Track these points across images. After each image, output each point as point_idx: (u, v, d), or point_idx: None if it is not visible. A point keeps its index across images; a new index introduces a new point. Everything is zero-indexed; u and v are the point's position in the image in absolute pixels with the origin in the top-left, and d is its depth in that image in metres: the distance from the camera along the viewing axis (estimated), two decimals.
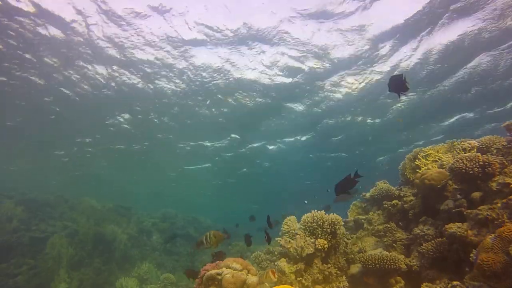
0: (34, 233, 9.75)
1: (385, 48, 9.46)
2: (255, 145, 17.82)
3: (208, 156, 19.23)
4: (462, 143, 4.71)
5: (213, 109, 13.37)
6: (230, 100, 12.47)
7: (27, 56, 9.47)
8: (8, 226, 9.53)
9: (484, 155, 3.77)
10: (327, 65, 10.29)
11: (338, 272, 4.21)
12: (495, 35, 8.62)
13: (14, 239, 9.08)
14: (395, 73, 10.53)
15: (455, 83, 11.22)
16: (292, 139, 16.98)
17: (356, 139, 16.43)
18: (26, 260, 8.69)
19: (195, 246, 3.79)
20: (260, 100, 12.54)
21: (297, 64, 10.29)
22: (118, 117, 14.06)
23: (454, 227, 3.40)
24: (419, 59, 9.90)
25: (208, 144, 17.52)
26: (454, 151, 4.73)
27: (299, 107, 13.37)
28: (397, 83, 3.18)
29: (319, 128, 15.30)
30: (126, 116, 13.97)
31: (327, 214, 4.42)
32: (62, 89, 11.36)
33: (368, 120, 14.53)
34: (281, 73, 10.83)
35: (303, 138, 16.83)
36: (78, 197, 13.64)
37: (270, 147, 18.16)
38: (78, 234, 10.41)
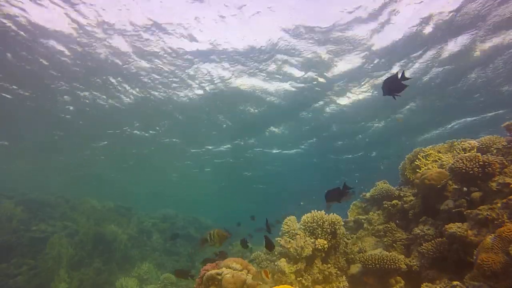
0: (34, 233, 9.75)
1: (388, 59, 9.61)
2: (258, 149, 18.10)
3: (212, 159, 19.54)
4: (462, 143, 4.70)
5: (219, 115, 13.64)
6: (237, 107, 12.84)
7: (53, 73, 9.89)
8: (8, 226, 9.53)
9: (484, 155, 3.76)
10: (331, 74, 10.47)
11: (338, 272, 4.21)
12: (496, 45, 8.84)
13: (14, 239, 9.08)
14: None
15: (458, 88, 11.33)
16: (295, 144, 17.28)
17: (359, 142, 16.67)
18: (26, 260, 8.69)
19: (200, 244, 3.76)
20: (265, 107, 12.82)
21: (301, 74, 10.51)
22: (131, 125, 14.55)
23: (454, 227, 3.39)
24: (423, 65, 10.00)
25: (211, 147, 17.78)
26: (454, 151, 4.73)
27: (303, 114, 13.58)
28: (392, 84, 2.89)
29: (323, 133, 15.54)
30: (137, 124, 14.39)
31: (327, 214, 4.42)
32: (79, 94, 11.71)
33: (373, 125, 14.76)
34: (285, 82, 11.06)
35: (306, 143, 17.09)
36: (79, 198, 13.66)
37: (273, 151, 18.43)
38: (78, 234, 10.42)
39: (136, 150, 17.75)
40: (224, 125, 14.57)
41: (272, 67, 10.07)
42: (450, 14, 7.71)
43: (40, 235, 9.81)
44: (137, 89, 11.33)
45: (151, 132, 15.31)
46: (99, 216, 12.45)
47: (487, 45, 8.87)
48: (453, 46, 9.00)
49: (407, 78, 2.80)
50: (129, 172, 22.33)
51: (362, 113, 13.11)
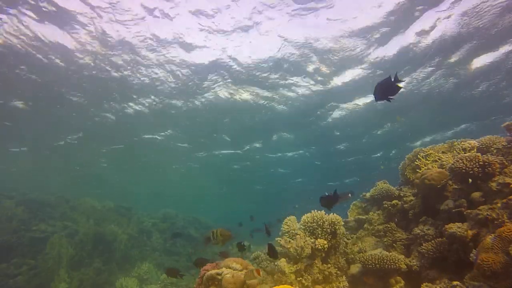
0: (34, 233, 9.75)
1: (391, 68, 9.79)
2: (262, 153, 18.52)
3: (217, 164, 19.97)
4: (462, 143, 4.70)
5: (225, 120, 14.01)
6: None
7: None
8: (8, 226, 9.54)
9: (484, 155, 3.76)
10: (335, 83, 10.76)
11: (338, 272, 4.20)
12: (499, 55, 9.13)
13: (14, 239, 9.08)
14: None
15: (462, 95, 11.54)
16: (299, 147, 17.76)
17: (363, 146, 17.03)
18: (26, 260, 8.69)
19: (204, 242, 3.76)
20: (270, 114, 13.24)
21: (306, 83, 10.85)
22: (146, 131, 15.14)
23: (454, 227, 3.39)
24: (427, 73, 10.21)
25: (217, 152, 18.26)
26: (454, 151, 4.73)
27: (308, 120, 13.94)
28: (386, 87, 2.73)
29: (326, 138, 15.95)
30: (148, 129, 14.92)
31: (327, 214, 4.42)
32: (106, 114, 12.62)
33: (377, 129, 15.10)
34: (290, 91, 11.38)
35: (310, 147, 17.55)
36: (79, 198, 13.67)
37: (277, 155, 18.92)
38: (78, 234, 10.42)
39: (141, 152, 18.03)
40: (229, 130, 14.93)
41: (277, 76, 10.34)
42: (454, 25, 7.93)
43: (40, 235, 9.81)
44: (150, 98, 11.84)
45: (158, 137, 15.72)
46: (99, 216, 12.44)
47: (490, 55, 9.14)
48: (457, 55, 9.22)
49: (401, 81, 2.69)
50: (130, 172, 22.46)
51: (366, 118, 13.45)
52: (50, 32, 7.91)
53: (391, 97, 2.74)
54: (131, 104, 12.11)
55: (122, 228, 12.07)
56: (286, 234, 4.48)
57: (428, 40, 8.45)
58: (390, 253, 3.86)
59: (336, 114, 13.16)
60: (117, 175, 23.33)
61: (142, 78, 10.24)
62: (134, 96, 11.52)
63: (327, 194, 3.52)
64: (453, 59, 9.33)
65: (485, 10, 7.30)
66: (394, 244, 4.54)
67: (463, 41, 8.49)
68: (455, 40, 8.42)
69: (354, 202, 6.01)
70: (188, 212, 16.88)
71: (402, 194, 4.93)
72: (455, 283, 2.99)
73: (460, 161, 3.74)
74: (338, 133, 15.19)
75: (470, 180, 3.65)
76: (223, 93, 11.43)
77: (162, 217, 14.94)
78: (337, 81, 10.55)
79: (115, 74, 9.88)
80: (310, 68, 9.80)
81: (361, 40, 8.46)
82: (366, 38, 8.37)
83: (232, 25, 7.97)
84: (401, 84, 2.70)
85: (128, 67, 9.59)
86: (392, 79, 2.68)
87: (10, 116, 12.33)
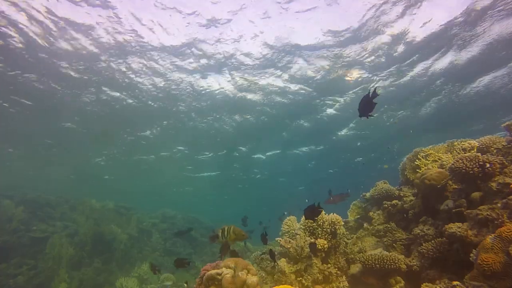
0: (34, 234, 9.75)
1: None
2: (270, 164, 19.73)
3: (220, 166, 20.51)
4: (462, 143, 4.70)
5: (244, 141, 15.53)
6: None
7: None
8: (8, 227, 9.53)
9: (484, 155, 3.76)
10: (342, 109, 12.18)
11: (338, 272, 4.20)
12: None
13: (14, 240, 9.07)
14: None
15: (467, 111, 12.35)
16: (313, 160, 18.93)
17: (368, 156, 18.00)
18: (26, 260, 8.69)
19: (209, 241, 3.75)
20: (294, 131, 14.85)
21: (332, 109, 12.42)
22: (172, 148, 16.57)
23: (454, 227, 3.39)
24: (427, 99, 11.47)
25: (235, 165, 19.59)
26: (454, 151, 4.73)
27: (320, 140, 15.45)
28: (366, 104, 2.70)
29: (342, 152, 17.32)
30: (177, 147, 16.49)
31: (326, 214, 4.42)
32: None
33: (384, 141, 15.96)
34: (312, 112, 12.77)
35: (318, 161, 18.91)
36: (79, 198, 13.65)
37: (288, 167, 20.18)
38: (78, 234, 10.41)
39: (155, 163, 19.23)
40: (246, 143, 16.10)
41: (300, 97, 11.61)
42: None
43: (40, 235, 9.80)
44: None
45: (182, 147, 16.81)
46: (99, 216, 12.44)
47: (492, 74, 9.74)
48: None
49: (376, 95, 2.62)
50: (134, 175, 22.65)
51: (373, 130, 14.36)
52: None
53: (370, 114, 2.72)
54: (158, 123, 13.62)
55: (122, 228, 12.06)
56: (286, 234, 4.48)
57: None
58: (390, 253, 3.86)
59: (346, 130, 14.34)
60: (118, 177, 23.40)
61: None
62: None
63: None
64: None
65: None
66: (394, 244, 4.54)
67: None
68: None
69: (354, 202, 6.01)
70: (188, 212, 16.93)
71: (402, 194, 4.93)
72: (455, 283, 2.99)
73: (460, 161, 3.74)
74: (358, 145, 16.24)
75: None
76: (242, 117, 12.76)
77: (161, 217, 14.94)
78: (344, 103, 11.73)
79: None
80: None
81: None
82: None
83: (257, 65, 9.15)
84: (375, 100, 2.64)
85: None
86: (370, 95, 2.65)
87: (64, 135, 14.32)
